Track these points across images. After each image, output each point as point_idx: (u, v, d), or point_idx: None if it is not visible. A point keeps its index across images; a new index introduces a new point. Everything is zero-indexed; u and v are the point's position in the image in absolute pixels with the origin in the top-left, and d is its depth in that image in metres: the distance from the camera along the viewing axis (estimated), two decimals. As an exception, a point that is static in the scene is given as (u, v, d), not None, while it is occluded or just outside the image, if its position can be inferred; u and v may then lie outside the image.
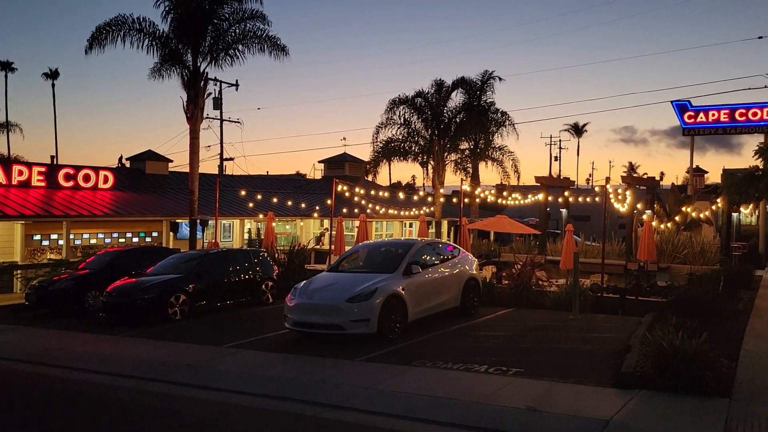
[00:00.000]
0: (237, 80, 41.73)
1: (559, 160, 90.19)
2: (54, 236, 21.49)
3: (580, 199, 24.33)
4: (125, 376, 9.42)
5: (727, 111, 26.17)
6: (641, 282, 15.15)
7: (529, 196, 25.07)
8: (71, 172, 23.08)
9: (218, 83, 40.25)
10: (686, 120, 26.90)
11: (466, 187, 27.73)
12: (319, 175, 43.32)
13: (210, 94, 23.46)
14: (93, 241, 22.66)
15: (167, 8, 21.40)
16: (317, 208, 24.49)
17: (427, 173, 30.42)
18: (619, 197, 20.37)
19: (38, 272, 18.06)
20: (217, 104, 40.70)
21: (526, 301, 14.33)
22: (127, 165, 30.33)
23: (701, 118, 26.61)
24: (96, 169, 23.97)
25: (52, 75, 66.32)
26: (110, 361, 10.42)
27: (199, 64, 21.96)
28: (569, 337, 10.79)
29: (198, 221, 22.29)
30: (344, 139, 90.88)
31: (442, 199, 28.71)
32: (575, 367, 8.67)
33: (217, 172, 37.64)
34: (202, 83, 22.15)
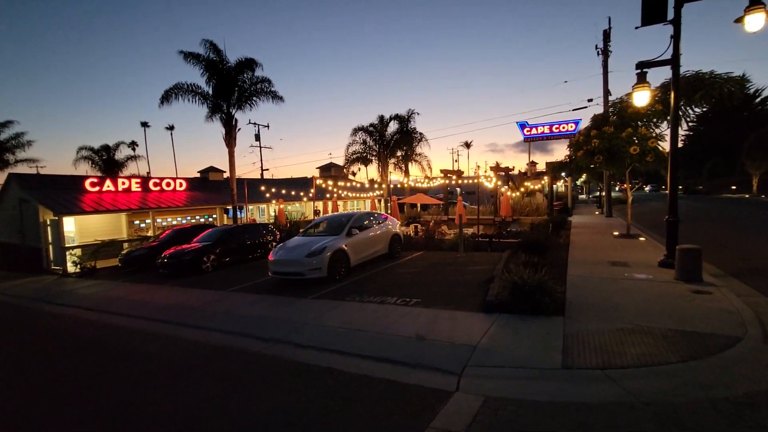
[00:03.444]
0: (268, 123, 39.45)
1: (458, 161, 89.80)
2: (148, 221, 19.25)
3: (467, 181, 23.05)
4: (145, 318, 7.39)
5: (549, 126, 25.00)
6: (501, 229, 13.69)
7: (437, 181, 23.59)
8: (158, 180, 20.67)
9: (257, 125, 37.89)
10: (525, 132, 25.66)
11: (397, 179, 26.05)
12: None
13: (240, 129, 20.86)
14: (174, 223, 20.41)
15: (208, 78, 19.13)
16: (311, 194, 22.36)
17: (379, 171, 28.27)
18: (489, 179, 18.88)
19: (132, 245, 16.07)
20: (257, 138, 38.24)
21: (432, 246, 12.64)
22: (198, 176, 27.95)
23: (534, 131, 25.39)
24: (174, 178, 21.67)
25: (170, 127, 62.00)
26: (144, 306, 8.33)
27: (231, 111, 19.72)
28: (455, 270, 9.08)
29: (237, 207, 20.43)
30: (330, 154, 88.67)
31: (390, 186, 26.94)
32: (457, 294, 6.93)
33: (259, 177, 35.28)
34: (233, 123, 19.95)
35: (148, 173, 33.47)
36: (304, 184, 28.25)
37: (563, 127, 24.24)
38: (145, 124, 59.57)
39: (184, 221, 21.16)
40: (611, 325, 4.95)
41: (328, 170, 32.00)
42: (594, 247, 10.95)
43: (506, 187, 21.84)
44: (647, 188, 75.41)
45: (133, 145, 61.19)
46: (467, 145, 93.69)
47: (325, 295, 7.68)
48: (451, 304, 6.42)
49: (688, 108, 10.83)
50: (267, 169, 40.41)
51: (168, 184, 20.67)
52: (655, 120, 11.24)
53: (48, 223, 15.32)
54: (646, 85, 7.62)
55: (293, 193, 22.34)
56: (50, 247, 15.39)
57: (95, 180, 17.56)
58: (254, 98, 19.92)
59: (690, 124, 54.49)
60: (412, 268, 9.85)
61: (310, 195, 23.03)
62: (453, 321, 5.62)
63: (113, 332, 6.95)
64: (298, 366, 4.65)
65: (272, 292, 8.37)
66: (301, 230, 10.66)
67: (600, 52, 21.76)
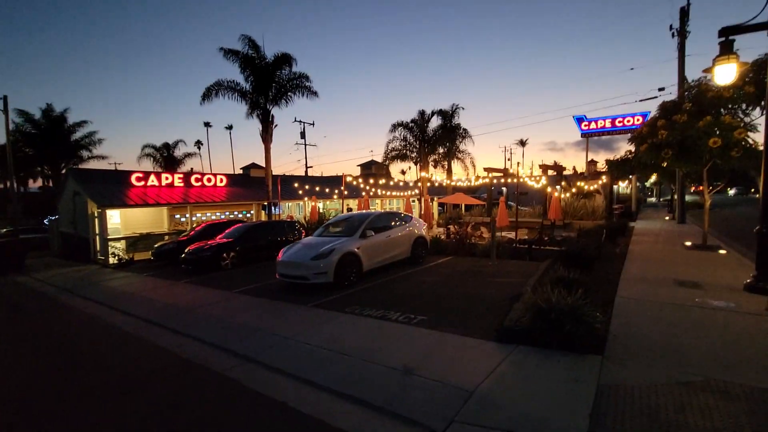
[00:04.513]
0: (313, 121, 39.98)
1: (510, 160, 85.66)
2: (188, 215, 19.91)
3: (512, 180, 21.27)
4: (138, 318, 7.02)
5: (611, 120, 22.29)
6: (542, 235, 12.02)
7: (480, 180, 21.99)
8: (199, 176, 21.29)
9: (302, 123, 38.46)
10: (583, 127, 23.13)
11: (439, 178, 24.75)
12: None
13: (276, 125, 20.96)
14: (213, 218, 20.91)
15: (246, 74, 19.33)
16: (345, 193, 21.82)
17: (419, 168, 27.14)
18: (536, 179, 17.08)
19: (169, 238, 16.54)
20: (302, 135, 38.67)
21: (463, 251, 11.39)
22: (240, 172, 28.74)
23: (593, 125, 22.78)
24: (215, 174, 22.18)
25: (229, 127, 65.34)
26: (145, 304, 8.02)
27: (268, 107, 19.86)
28: (481, 282, 7.83)
29: (271, 204, 20.49)
30: (372, 151, 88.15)
31: (428, 184, 25.75)
32: (474, 313, 5.76)
33: (302, 174, 35.71)
34: (270, 119, 20.04)
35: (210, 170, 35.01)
36: (338, 181, 28.04)
37: (627, 121, 21.51)
38: (207, 124, 63.07)
39: (222, 216, 21.59)
40: (670, 376, 3.59)
41: (369, 168, 31.50)
42: (658, 260, 9.10)
43: (559, 187, 19.87)
44: (732, 191, 66.75)
45: (198, 144, 65.52)
46: (522, 143, 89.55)
47: (326, 304, 6.86)
48: (462, 326, 5.29)
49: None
50: (311, 167, 40.84)
51: (209, 180, 21.15)
52: (744, 107, 9.10)
53: (95, 215, 16.14)
54: (733, 56, 5.88)
55: (327, 190, 21.98)
56: (97, 238, 16.23)
57: (140, 175, 18.30)
58: (290, 93, 19.80)
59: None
60: (433, 276, 8.74)
61: (342, 193, 22.53)
62: (455, 350, 4.51)
63: (100, 332, 6.64)
64: (250, 397, 3.84)
65: (273, 297, 7.70)
66: (317, 230, 9.95)
67: (675, 33, 18.89)
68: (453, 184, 23.29)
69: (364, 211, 15.67)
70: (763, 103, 8.96)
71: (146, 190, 18.36)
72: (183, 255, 11.75)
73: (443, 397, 3.47)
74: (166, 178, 19.33)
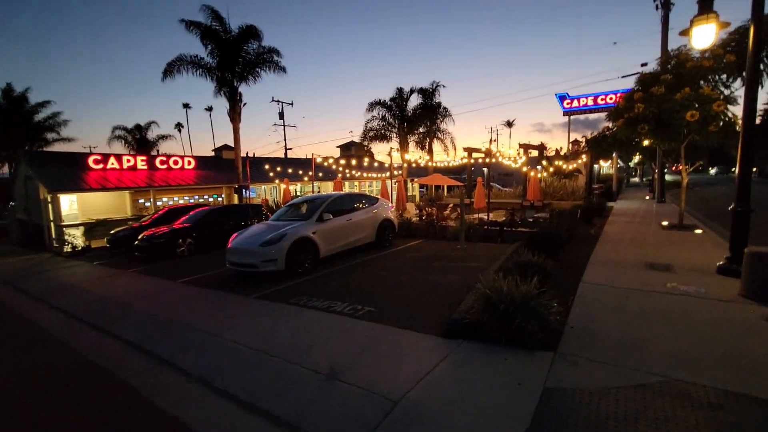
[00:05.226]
0: (292, 101, 38.77)
1: (497, 141, 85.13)
2: (152, 200, 18.92)
3: (495, 160, 20.75)
4: (65, 313, 6.31)
5: (593, 97, 21.79)
6: (514, 216, 11.57)
7: (459, 159, 21.45)
8: (165, 158, 20.17)
9: (280, 103, 37.23)
10: (565, 106, 22.61)
11: (416, 158, 24.06)
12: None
13: (245, 103, 19.88)
14: (181, 202, 19.95)
15: (211, 48, 18.14)
16: (318, 175, 21.13)
17: (400, 148, 26.40)
18: (513, 159, 16.57)
19: (130, 224, 15.64)
20: (281, 116, 37.49)
21: (433, 234, 10.91)
22: (213, 154, 27.65)
23: (575, 103, 22.28)
24: (182, 157, 21.11)
25: (209, 108, 62.91)
26: (80, 297, 7.30)
27: (235, 84, 18.79)
28: (443, 267, 7.33)
29: (242, 187, 19.66)
30: (351, 131, 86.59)
31: (410, 165, 25.14)
32: (426, 304, 5.25)
33: (283, 156, 34.66)
34: (238, 96, 19.00)
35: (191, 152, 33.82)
36: (310, 164, 27.32)
37: (610, 98, 21.00)
38: (186, 106, 60.86)
39: (191, 200, 20.75)
40: (626, 376, 3.13)
41: (349, 149, 30.64)
42: (631, 240, 8.73)
43: (540, 167, 19.42)
44: (713, 171, 67.74)
45: (178, 126, 63.21)
46: (509, 124, 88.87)
47: (272, 295, 6.28)
48: (410, 318, 4.77)
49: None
50: (291, 149, 39.59)
51: (176, 162, 20.12)
52: (725, 78, 8.62)
53: (48, 200, 15.15)
54: (712, 15, 5.32)
55: (300, 172, 21.18)
56: (51, 224, 15.27)
57: (99, 157, 17.21)
58: (258, 69, 18.74)
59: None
60: (397, 261, 8.22)
61: (313, 175, 21.81)
62: (394, 348, 4.00)
63: (13, 330, 5.98)
64: (143, 412, 3.27)
65: (218, 287, 7.07)
66: (275, 214, 9.29)
67: (660, 5, 18.30)
68: (434, 164, 22.67)
69: (325, 192, 14.97)
70: (744, 73, 8.51)
71: (106, 174, 17.31)
72: (136, 242, 11.01)
73: (362, 409, 2.95)
74: (128, 161, 18.27)
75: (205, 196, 21.14)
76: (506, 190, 25.54)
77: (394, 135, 26.00)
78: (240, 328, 4.87)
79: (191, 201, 20.24)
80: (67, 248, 13.63)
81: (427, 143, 26.14)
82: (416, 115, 24.63)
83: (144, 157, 19.54)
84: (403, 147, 24.63)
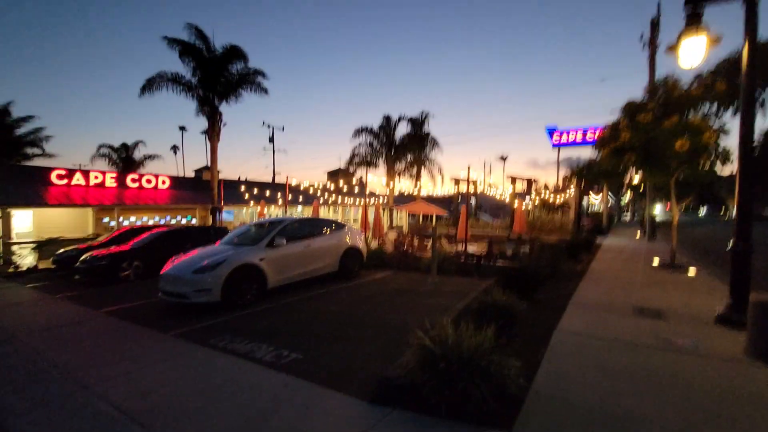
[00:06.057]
0: (283, 126, 38.64)
1: (490, 175, 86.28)
2: (120, 218, 17.90)
3: (486, 192, 20.22)
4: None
5: (582, 131, 21.68)
6: (492, 249, 10.76)
7: (449, 189, 20.91)
8: (136, 176, 19.48)
9: (271, 127, 37.17)
10: (554, 140, 22.42)
11: (404, 187, 23.54)
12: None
13: (225, 123, 19.30)
14: (150, 223, 18.96)
15: (193, 67, 17.71)
16: (300, 199, 20.34)
17: (387, 176, 25.86)
18: (505, 190, 15.97)
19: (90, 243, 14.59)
20: (271, 140, 37.32)
21: (405, 265, 10.03)
22: (193, 175, 27.03)
23: (564, 138, 22.10)
24: (156, 175, 20.33)
25: (205, 132, 63.30)
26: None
27: (216, 103, 18.32)
28: (406, 304, 6.41)
29: (216, 209, 18.78)
30: (341, 158, 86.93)
31: (390, 192, 24.56)
32: (368, 350, 4.34)
33: (271, 180, 34.04)
34: (218, 116, 18.46)
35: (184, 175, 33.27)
36: (292, 188, 26.66)
37: (599, 133, 20.82)
38: (182, 128, 60.76)
39: (162, 221, 19.75)
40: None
41: (336, 175, 30.15)
42: (619, 280, 7.91)
43: (528, 199, 18.86)
44: (702, 211, 68.24)
45: (174, 148, 63.09)
46: (503, 158, 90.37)
47: (192, 333, 5.27)
48: (342, 371, 3.80)
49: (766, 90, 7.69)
50: (279, 173, 39.10)
51: (149, 181, 19.32)
52: (715, 109, 8.14)
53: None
54: (701, 29, 4.78)
55: (279, 195, 20.41)
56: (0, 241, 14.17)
57: (63, 172, 16.37)
58: (240, 90, 18.33)
59: None
60: (356, 295, 7.28)
61: (286, 198, 21.11)
62: (300, 418, 3.02)
63: None
64: None
65: (140, 319, 6.00)
66: (225, 237, 8.39)
67: (646, 45, 18.42)
68: (420, 193, 22.08)
69: (282, 216, 14.13)
70: (733, 105, 8.03)
71: (69, 190, 16.39)
72: (77, 264, 9.97)
73: None
74: (96, 177, 17.43)
75: (179, 217, 20.23)
76: (495, 222, 24.98)
77: (381, 162, 25.57)
78: (124, 379, 3.86)
79: (162, 222, 19.29)
80: (11, 269, 12.49)
81: (415, 171, 25.69)
82: (404, 144, 24.30)
83: (114, 174, 18.76)
84: (390, 174, 24.11)
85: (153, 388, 3.61)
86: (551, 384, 3.34)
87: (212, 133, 18.57)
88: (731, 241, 4.86)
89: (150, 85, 17.75)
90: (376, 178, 25.89)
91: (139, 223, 18.18)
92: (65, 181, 16.23)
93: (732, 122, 8.15)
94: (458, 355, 3.03)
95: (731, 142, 11.12)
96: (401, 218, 30.38)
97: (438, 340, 3.18)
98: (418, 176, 26.10)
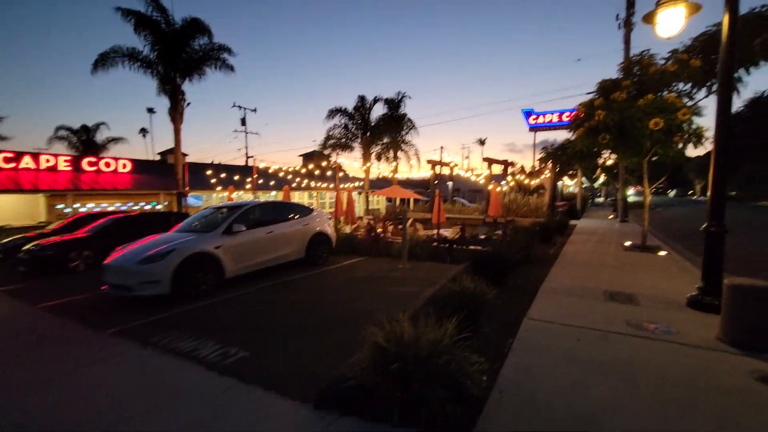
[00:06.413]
0: (255, 108, 36.98)
1: (468, 159, 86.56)
2: (77, 205, 16.80)
3: (461, 174, 20.00)
4: None
5: (558, 114, 21.67)
6: (464, 233, 10.58)
7: (424, 172, 20.57)
8: (93, 160, 18.29)
9: (243, 109, 35.66)
10: (531, 121, 22.36)
11: (379, 170, 23.06)
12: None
13: (189, 103, 18.30)
14: (111, 209, 17.89)
15: (152, 41, 16.40)
16: (271, 184, 19.64)
17: (363, 159, 25.28)
18: (476, 173, 15.77)
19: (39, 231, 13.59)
20: (243, 122, 35.76)
21: (376, 251, 9.69)
22: (159, 158, 25.72)
23: (540, 119, 22.05)
24: (116, 159, 19.15)
25: (150, 110, 60.69)
26: None
27: (177, 81, 17.18)
28: (374, 292, 6.07)
29: (181, 193, 17.85)
30: (315, 140, 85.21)
31: (367, 176, 24.08)
32: (324, 346, 3.98)
33: (244, 164, 32.84)
34: (180, 94, 17.34)
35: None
36: (259, 171, 25.94)
37: (574, 115, 20.82)
38: (150, 110, 58.17)
39: (123, 207, 18.70)
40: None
41: (311, 158, 29.37)
42: (591, 263, 7.80)
43: (504, 183, 18.80)
44: (671, 193, 70.61)
45: (143, 131, 60.12)
46: (481, 142, 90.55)
47: (134, 330, 4.77)
48: (290, 371, 3.44)
49: (739, 70, 7.56)
50: (252, 156, 37.57)
51: (107, 165, 18.18)
52: (689, 88, 8.00)
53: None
54: (681, -3, 4.47)
55: (248, 180, 19.64)
56: (-63, 231, 13.02)
57: (10, 155, 15.11)
58: (204, 67, 17.25)
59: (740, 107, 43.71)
60: (323, 283, 6.91)
61: (260, 183, 20.32)
62: (238, 428, 2.69)
63: None
64: None
65: (78, 316, 5.42)
66: (182, 224, 7.81)
67: (621, 25, 18.28)
68: (397, 176, 21.67)
69: (243, 200, 13.52)
70: (707, 84, 7.91)
71: (18, 174, 15.19)
72: (21, 254, 9.16)
73: None
74: (47, 161, 16.22)
75: (142, 203, 19.20)
76: (471, 206, 24.91)
77: (357, 144, 24.93)
78: (35, 387, 3.37)
79: (124, 208, 18.26)
80: (-51, 260, 11.48)
81: (391, 154, 25.20)
82: (380, 125, 23.67)
83: (68, 158, 17.51)
84: (366, 157, 23.54)
85: (67, 398, 3.15)
86: (517, 380, 3.06)
87: (175, 114, 17.45)
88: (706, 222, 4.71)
89: (103, 61, 16.44)
90: (352, 162, 25.27)
91: (98, 209, 17.14)
92: (12, 165, 15.02)
93: (706, 103, 8.04)
94: (415, 354, 2.68)
95: (705, 123, 11.11)
96: (379, 203, 29.99)
97: (393, 337, 2.83)
98: (395, 159, 25.67)
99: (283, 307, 5.49)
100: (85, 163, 17.80)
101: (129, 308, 5.69)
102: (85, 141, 36.63)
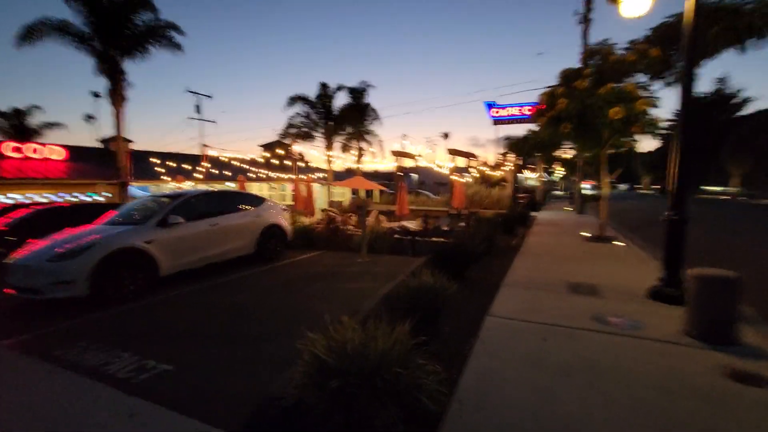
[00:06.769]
0: (211, 94, 35.14)
1: (433, 152, 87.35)
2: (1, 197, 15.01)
3: (425, 166, 19.86)
4: None
5: (518, 107, 21.94)
6: (427, 225, 10.34)
7: (389, 163, 20.23)
8: (19, 145, 16.42)
9: (197, 95, 33.66)
10: (492, 114, 22.54)
11: (341, 162, 22.50)
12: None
13: (130, 84, 16.74)
14: (40, 200, 16.16)
15: (86, 12, 14.81)
16: (228, 174, 18.52)
17: (325, 149, 24.47)
18: (439, 165, 15.62)
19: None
20: (197, 110, 34.03)
21: (335, 245, 9.19)
22: (101, 146, 23.70)
23: (502, 112, 22.27)
24: (46, 144, 17.35)
25: (95, 94, 56.00)
26: None
27: (117, 58, 15.65)
28: (327, 290, 5.60)
29: (122, 184, 16.45)
30: (274, 129, 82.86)
31: (330, 167, 23.43)
32: (264, 357, 3.49)
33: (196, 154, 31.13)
34: (120, 73, 15.81)
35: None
36: (212, 160, 24.65)
37: (536, 108, 21.15)
38: (96, 95, 53.68)
39: (58, 199, 16.97)
40: None
41: (272, 148, 28.15)
42: (553, 253, 7.72)
43: (467, 175, 18.79)
44: (622, 186, 74.50)
45: (90, 117, 55.32)
46: (446, 135, 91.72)
47: (37, 340, 4.00)
48: (218, 388, 2.90)
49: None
50: (207, 146, 35.61)
51: (36, 151, 16.38)
52: (647, 79, 8.06)
53: None
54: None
55: (201, 169, 18.38)
56: None
57: None
58: (147, 45, 15.83)
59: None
60: (274, 280, 6.34)
61: (215, 174, 19.15)
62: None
63: None
64: None
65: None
66: (113, 216, 6.95)
67: (580, 20, 18.65)
68: (361, 168, 21.15)
69: (186, 189, 12.65)
70: (665, 74, 7.99)
71: None
72: None
73: None
74: (-38, 146, 14.34)
75: (77, 194, 17.49)
76: (436, 198, 24.91)
77: (320, 134, 24.12)
78: None
79: (58, 200, 16.55)
80: None
81: (355, 145, 24.60)
82: (343, 115, 22.97)
83: (-14, 143, 15.61)
84: (329, 147, 22.80)
85: None
86: (478, 389, 2.71)
87: (115, 96, 15.93)
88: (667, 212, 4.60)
89: (30, 35, 14.65)
90: (315, 152, 24.42)
91: (25, 201, 15.41)
92: None
93: (662, 94, 8.14)
94: (359, 367, 2.26)
95: (661, 114, 11.42)
96: (344, 194, 29.27)
97: (335, 347, 2.39)
98: (358, 150, 25.10)
99: (222, 310, 4.89)
100: (8, 149, 15.94)
101: (37, 314, 4.87)
102: (16, 126, 33.28)
